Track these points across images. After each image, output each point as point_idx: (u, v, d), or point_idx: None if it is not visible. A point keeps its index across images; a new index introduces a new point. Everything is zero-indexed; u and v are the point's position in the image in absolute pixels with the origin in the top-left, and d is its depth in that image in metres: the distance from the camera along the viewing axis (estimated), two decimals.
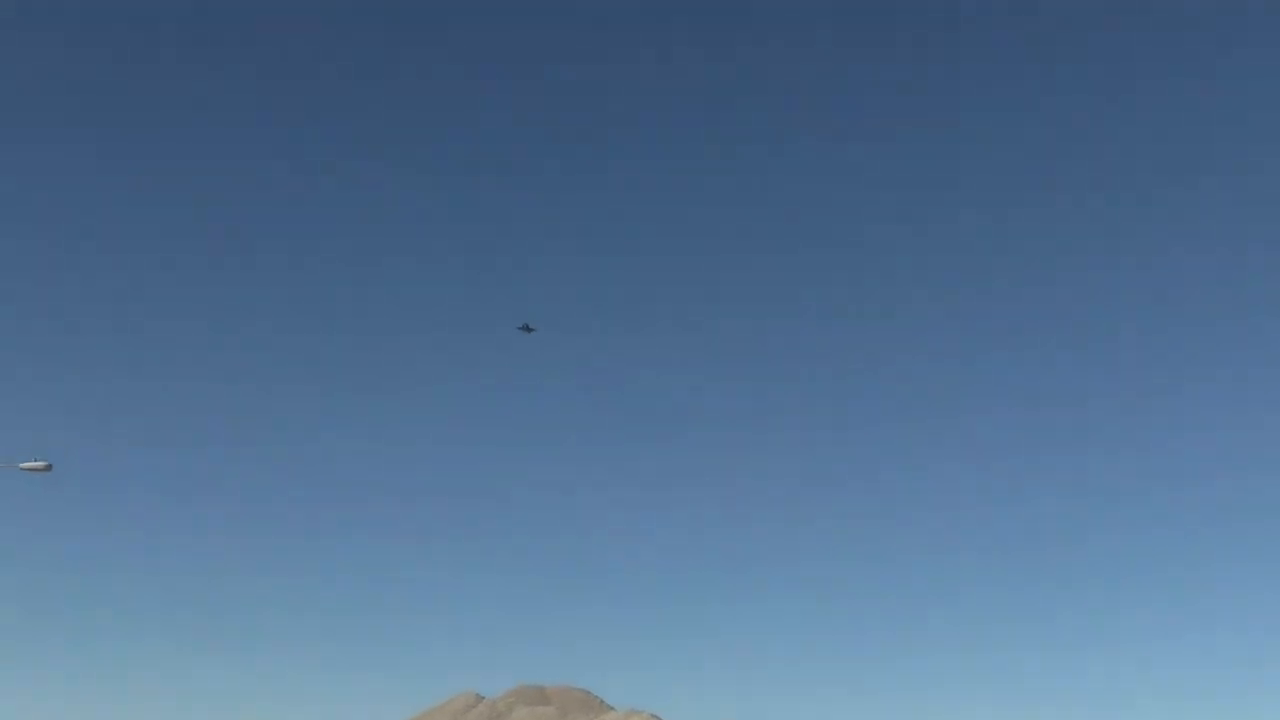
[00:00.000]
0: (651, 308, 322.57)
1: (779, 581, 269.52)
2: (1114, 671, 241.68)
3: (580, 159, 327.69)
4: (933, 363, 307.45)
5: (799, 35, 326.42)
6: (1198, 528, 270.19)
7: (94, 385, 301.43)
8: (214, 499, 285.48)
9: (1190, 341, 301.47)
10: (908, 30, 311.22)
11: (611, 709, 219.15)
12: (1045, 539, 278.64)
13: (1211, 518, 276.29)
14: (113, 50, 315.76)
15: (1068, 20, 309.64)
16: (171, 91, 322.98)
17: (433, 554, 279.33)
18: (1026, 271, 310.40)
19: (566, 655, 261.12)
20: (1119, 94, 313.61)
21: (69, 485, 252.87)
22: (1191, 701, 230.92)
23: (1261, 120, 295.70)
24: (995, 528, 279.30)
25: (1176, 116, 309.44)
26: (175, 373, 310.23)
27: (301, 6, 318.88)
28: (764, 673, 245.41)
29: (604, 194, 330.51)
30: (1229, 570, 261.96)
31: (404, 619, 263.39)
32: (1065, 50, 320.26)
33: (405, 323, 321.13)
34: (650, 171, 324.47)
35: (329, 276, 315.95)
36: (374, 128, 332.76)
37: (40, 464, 56.13)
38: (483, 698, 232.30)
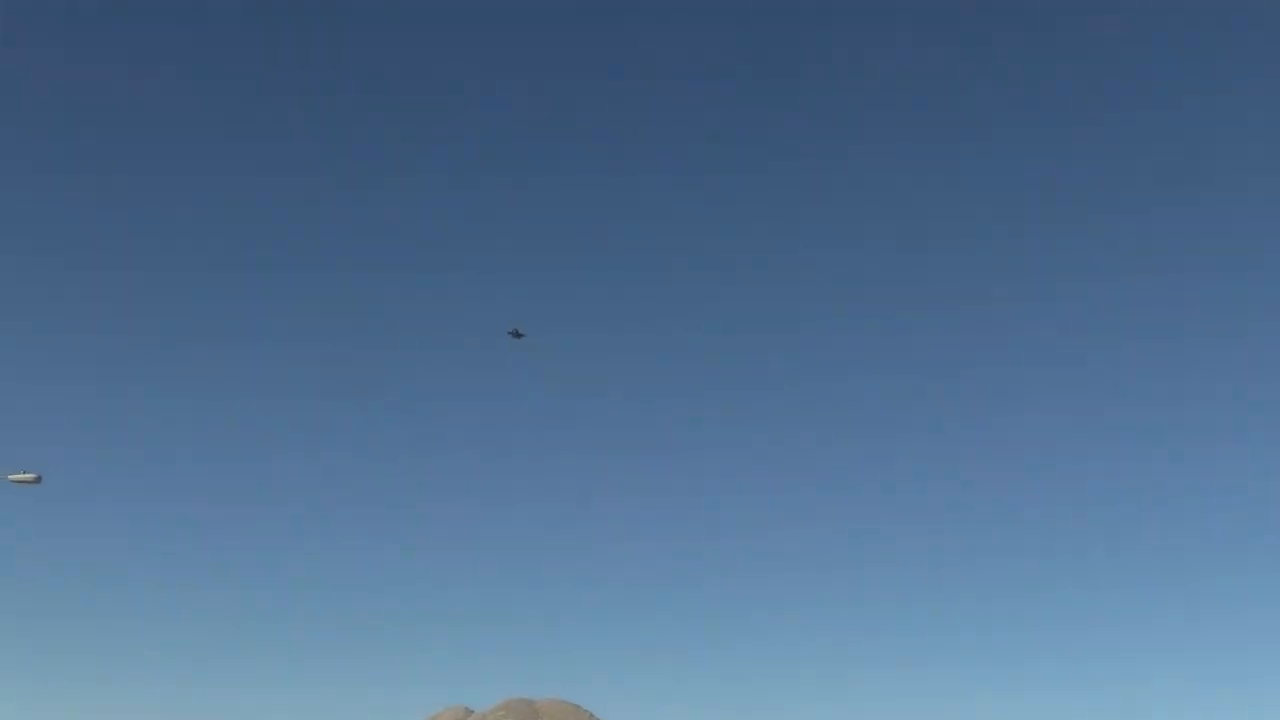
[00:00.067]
0: (644, 314, 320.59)
1: (775, 593, 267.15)
2: (1114, 682, 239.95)
3: (578, 160, 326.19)
4: (932, 365, 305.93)
5: (799, 36, 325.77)
6: (1201, 533, 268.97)
7: (85, 395, 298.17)
8: (192, 510, 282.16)
9: (1194, 347, 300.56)
10: (908, 30, 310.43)
11: None
12: (1052, 553, 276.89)
13: (1213, 523, 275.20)
14: (95, 50, 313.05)
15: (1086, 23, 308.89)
16: (160, 95, 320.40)
17: (419, 565, 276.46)
18: (1031, 274, 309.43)
19: (556, 668, 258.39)
20: (1122, 99, 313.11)
21: (58, 496, 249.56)
22: (1193, 701, 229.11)
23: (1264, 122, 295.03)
24: (999, 534, 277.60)
25: (1184, 121, 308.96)
26: (164, 383, 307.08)
27: (291, 7, 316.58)
28: (760, 686, 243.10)
29: (602, 196, 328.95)
30: (1235, 578, 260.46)
31: (390, 631, 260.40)
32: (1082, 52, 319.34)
33: (392, 330, 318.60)
34: (648, 173, 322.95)
35: (324, 284, 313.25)
36: (371, 130, 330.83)
37: (29, 476, 54.64)
38: (471, 711, 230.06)
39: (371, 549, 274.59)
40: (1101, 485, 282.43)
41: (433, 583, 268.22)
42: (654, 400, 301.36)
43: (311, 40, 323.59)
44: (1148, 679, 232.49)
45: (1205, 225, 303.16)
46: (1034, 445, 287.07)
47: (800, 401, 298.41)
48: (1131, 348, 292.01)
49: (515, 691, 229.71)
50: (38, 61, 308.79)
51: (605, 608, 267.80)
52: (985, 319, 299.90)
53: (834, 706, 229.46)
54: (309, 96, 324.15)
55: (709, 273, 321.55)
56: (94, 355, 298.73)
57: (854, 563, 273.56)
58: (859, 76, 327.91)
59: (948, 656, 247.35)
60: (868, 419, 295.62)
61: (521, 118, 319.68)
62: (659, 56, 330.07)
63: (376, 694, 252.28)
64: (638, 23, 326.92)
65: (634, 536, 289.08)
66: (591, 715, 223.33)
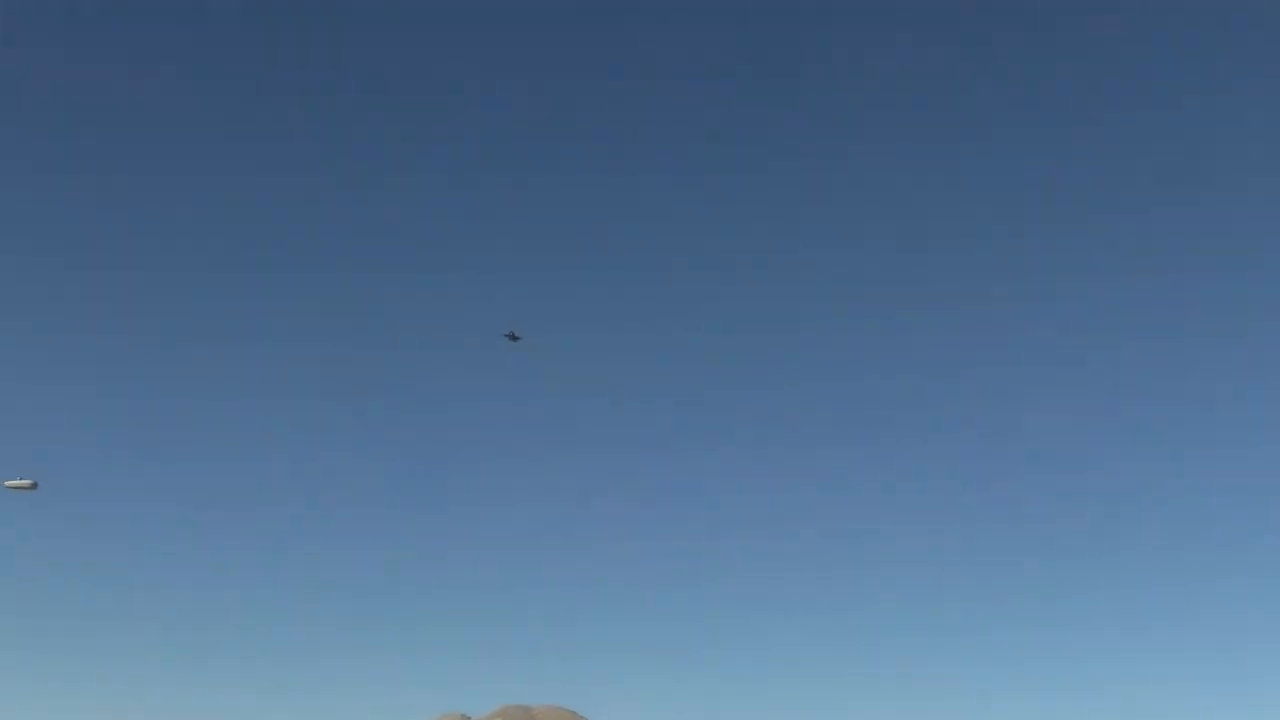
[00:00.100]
0: (644, 314, 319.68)
1: (776, 598, 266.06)
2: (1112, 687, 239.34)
3: (578, 160, 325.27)
4: (932, 365, 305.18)
5: (799, 36, 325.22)
6: (1202, 534, 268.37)
7: (85, 395, 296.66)
8: (189, 513, 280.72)
9: (1194, 347, 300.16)
10: (909, 30, 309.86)
11: None
12: (1053, 553, 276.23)
13: (1214, 523, 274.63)
14: (95, 50, 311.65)
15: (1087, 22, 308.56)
16: (160, 95, 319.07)
17: (415, 569, 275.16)
18: (1034, 277, 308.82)
19: (553, 674, 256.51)
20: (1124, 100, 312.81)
21: (55, 500, 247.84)
22: (1194, 702, 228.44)
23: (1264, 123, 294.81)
24: (1000, 534, 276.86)
25: (1184, 121, 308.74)
26: (164, 383, 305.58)
27: (283, 8, 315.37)
28: (759, 692, 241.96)
29: (602, 196, 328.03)
30: (1236, 579, 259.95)
31: (386, 636, 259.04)
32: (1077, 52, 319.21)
33: (392, 330, 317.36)
34: (648, 173, 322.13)
35: (324, 284, 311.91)
36: (371, 130, 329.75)
37: (26, 482, 53.14)
38: (468, 717, 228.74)
39: (369, 551, 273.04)
40: (1101, 485, 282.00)
41: (429, 587, 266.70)
42: (653, 401, 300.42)
43: (311, 40, 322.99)
44: (1148, 680, 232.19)
45: (1205, 225, 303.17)
46: (1034, 445, 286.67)
47: (800, 402, 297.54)
48: (1131, 348, 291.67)
49: (511, 698, 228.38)
50: (38, 61, 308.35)
51: (603, 614, 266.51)
52: (985, 319, 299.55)
53: (835, 714, 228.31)
54: (309, 96, 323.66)
55: (709, 273, 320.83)
56: (94, 355, 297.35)
57: (856, 565, 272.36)
58: (859, 76, 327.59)
59: (948, 659, 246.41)
60: (867, 419, 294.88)
61: (521, 118, 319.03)
62: (659, 56, 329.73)
63: (373, 698, 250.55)
64: (638, 23, 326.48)
65: (633, 539, 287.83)
66: None
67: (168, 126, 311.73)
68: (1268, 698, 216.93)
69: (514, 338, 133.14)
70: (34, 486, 53.54)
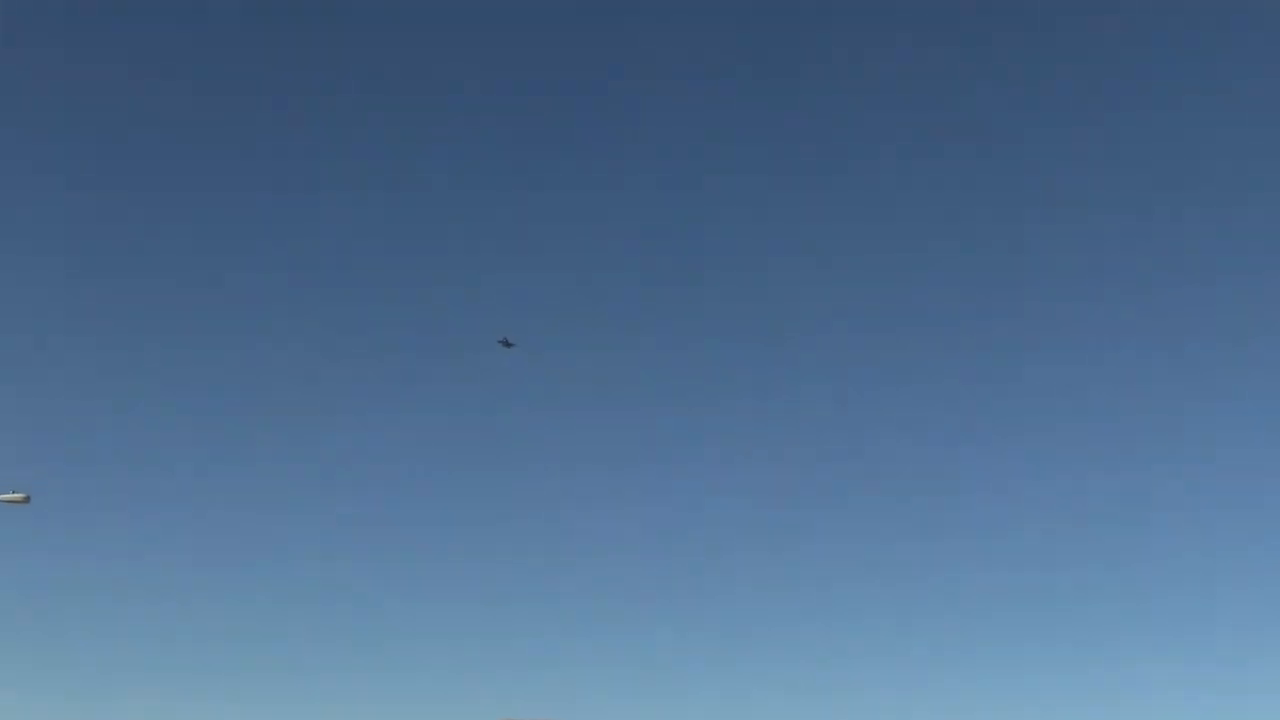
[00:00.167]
0: (643, 316, 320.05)
1: (776, 610, 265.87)
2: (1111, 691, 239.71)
3: (577, 161, 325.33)
4: (932, 365, 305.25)
5: (799, 36, 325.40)
6: (1203, 537, 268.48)
7: (79, 399, 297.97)
8: (180, 517, 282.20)
9: (1195, 349, 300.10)
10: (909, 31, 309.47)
11: None
12: (1053, 553, 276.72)
13: (1215, 526, 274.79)
14: (95, 50, 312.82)
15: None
16: (161, 95, 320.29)
17: (409, 581, 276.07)
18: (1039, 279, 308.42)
19: (548, 686, 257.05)
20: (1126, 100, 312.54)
21: (48, 511, 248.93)
22: (1195, 702, 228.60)
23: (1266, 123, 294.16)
24: (1000, 537, 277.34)
25: (1184, 121, 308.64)
26: (163, 383, 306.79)
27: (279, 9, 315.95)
28: (759, 705, 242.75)
29: (602, 196, 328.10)
30: (1237, 581, 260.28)
31: (377, 650, 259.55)
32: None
33: (389, 335, 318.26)
34: (647, 174, 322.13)
35: (324, 284, 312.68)
36: (371, 130, 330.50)
37: (18, 496, 54.02)
38: None
39: (360, 564, 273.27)
40: (1102, 487, 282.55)
41: (421, 601, 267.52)
42: (654, 405, 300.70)
43: (311, 40, 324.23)
44: (1149, 683, 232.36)
45: (1205, 225, 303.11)
46: (1034, 447, 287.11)
47: (798, 409, 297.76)
48: (1132, 348, 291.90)
49: (506, 710, 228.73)
50: (38, 61, 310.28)
51: (600, 625, 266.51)
52: (985, 319, 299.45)
53: None
54: (309, 96, 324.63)
55: (708, 275, 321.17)
56: (94, 358, 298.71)
57: (853, 578, 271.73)
58: (859, 76, 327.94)
59: (948, 663, 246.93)
60: (868, 422, 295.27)
61: (521, 118, 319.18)
62: (659, 56, 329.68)
63: (363, 714, 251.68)
64: (637, 23, 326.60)
65: (632, 552, 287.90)
66: None
67: (168, 126, 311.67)
68: (1270, 698, 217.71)
69: (507, 344, 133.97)
70: (27, 500, 54.51)
